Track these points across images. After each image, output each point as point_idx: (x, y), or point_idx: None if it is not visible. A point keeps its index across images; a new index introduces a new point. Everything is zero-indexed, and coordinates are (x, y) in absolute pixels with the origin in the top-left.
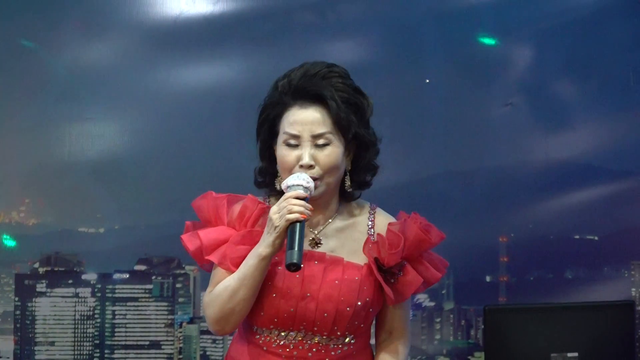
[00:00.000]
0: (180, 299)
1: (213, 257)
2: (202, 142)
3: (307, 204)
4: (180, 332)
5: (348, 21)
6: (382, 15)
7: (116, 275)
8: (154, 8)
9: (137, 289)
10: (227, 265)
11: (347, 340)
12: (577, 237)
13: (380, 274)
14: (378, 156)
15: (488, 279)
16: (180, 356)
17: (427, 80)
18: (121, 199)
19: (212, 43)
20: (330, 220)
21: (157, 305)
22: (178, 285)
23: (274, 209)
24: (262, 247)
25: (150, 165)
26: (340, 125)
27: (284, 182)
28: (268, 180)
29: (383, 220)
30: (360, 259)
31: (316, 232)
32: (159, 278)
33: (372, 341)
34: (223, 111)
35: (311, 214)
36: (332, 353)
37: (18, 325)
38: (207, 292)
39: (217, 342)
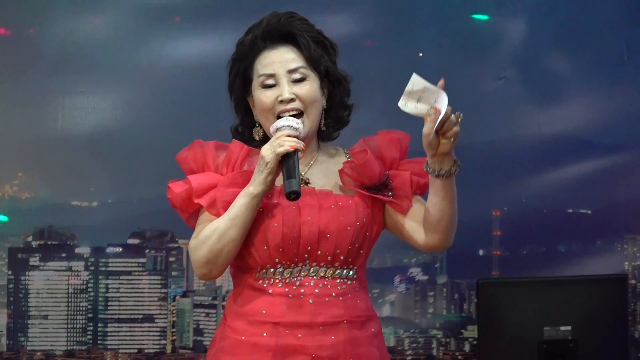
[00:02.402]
0: (174, 273)
1: (202, 201)
2: (195, 115)
3: (298, 140)
4: (174, 306)
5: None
6: None
7: (109, 249)
8: None
9: (131, 262)
10: (217, 208)
11: (350, 273)
12: (570, 210)
13: (373, 192)
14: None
15: (481, 252)
16: (174, 329)
17: (421, 54)
18: (114, 172)
19: (205, 16)
20: (312, 162)
21: (150, 279)
22: (171, 259)
23: (265, 147)
24: (254, 186)
25: (144, 138)
26: (313, 60)
27: (273, 125)
28: (247, 134)
29: None
30: (348, 192)
31: (302, 173)
32: (152, 252)
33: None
34: (216, 84)
35: (303, 148)
36: (338, 288)
37: (11, 299)
38: (193, 238)
39: (210, 315)
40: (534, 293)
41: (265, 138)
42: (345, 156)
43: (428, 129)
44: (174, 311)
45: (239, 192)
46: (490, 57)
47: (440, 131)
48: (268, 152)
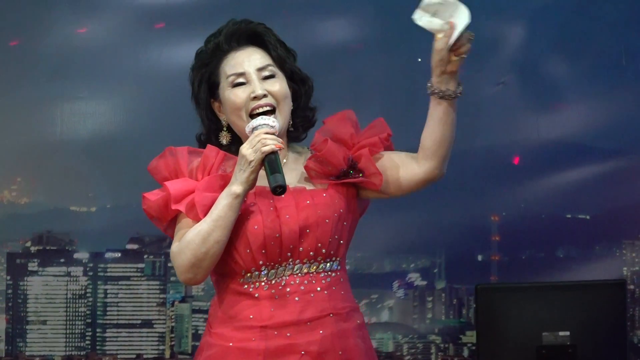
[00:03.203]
0: (172, 278)
1: (181, 206)
2: (194, 121)
3: (278, 138)
4: (172, 311)
5: (340, 0)
6: None
7: (108, 254)
8: None
9: (129, 268)
10: (196, 213)
11: (333, 265)
12: (568, 216)
13: (344, 179)
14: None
15: (480, 257)
16: (172, 335)
17: (419, 59)
18: (113, 178)
19: (204, 22)
20: (284, 161)
21: (149, 284)
22: (170, 264)
23: (245, 146)
24: (236, 185)
25: (142, 143)
26: (280, 59)
27: (249, 124)
28: (213, 140)
29: None
30: (320, 187)
31: None
32: (151, 257)
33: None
34: None
35: (282, 146)
36: (323, 282)
37: (10, 304)
38: (175, 243)
39: None
40: (532, 298)
41: (234, 141)
42: (310, 151)
43: (442, 43)
44: (173, 316)
45: (217, 196)
46: (490, 62)
47: (453, 47)
48: (249, 151)
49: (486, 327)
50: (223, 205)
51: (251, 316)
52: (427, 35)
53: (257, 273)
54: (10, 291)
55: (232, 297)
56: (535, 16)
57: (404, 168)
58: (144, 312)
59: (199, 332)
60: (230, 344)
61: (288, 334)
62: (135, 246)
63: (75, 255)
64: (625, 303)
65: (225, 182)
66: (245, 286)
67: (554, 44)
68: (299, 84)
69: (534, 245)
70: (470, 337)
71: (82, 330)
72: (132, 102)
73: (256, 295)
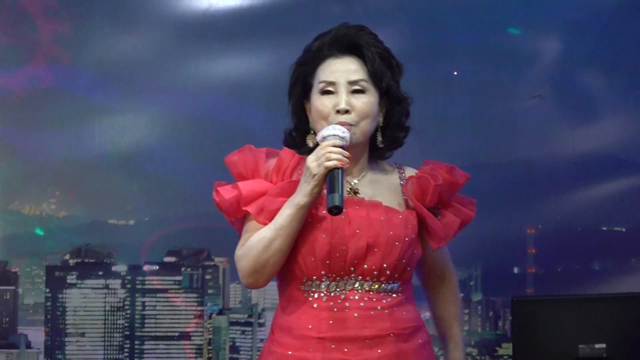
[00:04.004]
0: (210, 291)
1: (251, 208)
2: (232, 134)
3: (344, 151)
4: (210, 324)
5: (375, 13)
6: (409, 6)
7: (146, 267)
8: (183, 1)
9: (167, 280)
10: (264, 217)
11: (395, 287)
12: (604, 228)
13: (429, 211)
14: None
15: (516, 270)
16: (210, 347)
17: (455, 73)
18: (151, 191)
19: (240, 36)
20: (364, 173)
21: (186, 297)
22: (207, 277)
23: (311, 157)
24: (300, 196)
25: (179, 157)
26: (375, 75)
27: (319, 133)
28: (299, 139)
29: (412, 172)
30: (398, 206)
31: (352, 184)
32: (189, 270)
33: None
34: (253, 103)
35: (349, 162)
36: (383, 301)
37: (49, 317)
38: (239, 246)
39: (246, 333)
40: (568, 311)
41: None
42: (398, 169)
43: None
44: (210, 329)
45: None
46: (525, 75)
47: None
48: (314, 164)
49: (522, 340)
50: (287, 215)
51: (310, 326)
52: (463, 49)
53: (317, 282)
54: (49, 304)
55: (292, 304)
56: (571, 29)
57: (423, 270)
58: (181, 325)
59: (236, 344)
60: (290, 352)
61: (345, 350)
62: (172, 259)
63: (114, 268)
64: None
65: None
66: (305, 294)
67: (590, 57)
68: (393, 103)
69: (569, 257)
70: (506, 349)
71: (121, 343)
72: (170, 115)
73: (315, 305)
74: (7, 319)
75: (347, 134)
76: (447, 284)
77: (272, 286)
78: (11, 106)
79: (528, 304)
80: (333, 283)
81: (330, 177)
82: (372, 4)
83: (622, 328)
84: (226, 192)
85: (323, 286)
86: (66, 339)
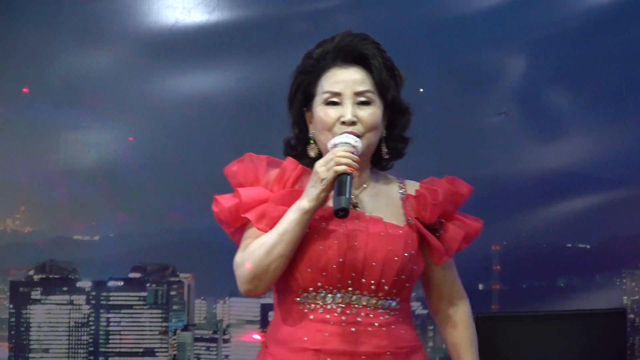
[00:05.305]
0: (175, 307)
1: (251, 215)
2: (198, 150)
3: (354, 157)
4: (175, 340)
5: (342, 30)
6: (376, 24)
7: (111, 283)
8: (150, 17)
9: (132, 296)
10: (265, 224)
11: (393, 304)
12: (569, 245)
13: (427, 229)
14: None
15: (481, 287)
16: None
17: (421, 90)
18: (116, 206)
19: (207, 52)
20: (364, 186)
21: (151, 313)
22: (172, 293)
23: (320, 162)
24: (306, 201)
25: (145, 173)
26: (381, 86)
27: (331, 140)
28: (300, 149)
29: (413, 186)
30: (398, 221)
31: (353, 196)
32: (154, 285)
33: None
34: (219, 119)
35: (359, 168)
36: (381, 318)
37: (13, 332)
38: (239, 252)
39: (210, 349)
40: (533, 327)
41: (320, 155)
42: (399, 182)
43: None
44: (175, 345)
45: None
46: (491, 92)
47: None
48: (323, 168)
49: (487, 356)
50: (291, 220)
51: (305, 338)
52: (429, 67)
53: (314, 294)
54: (13, 319)
55: (288, 315)
56: (536, 47)
57: (429, 289)
58: (146, 341)
59: None
60: None
61: None
62: (137, 275)
63: (78, 284)
64: (625, 332)
65: (298, 198)
66: (301, 306)
67: (555, 75)
68: (396, 114)
69: (534, 274)
70: None
71: (85, 359)
72: (136, 131)
73: (311, 317)
74: None
75: (359, 144)
76: (457, 308)
77: (237, 302)
78: None
79: (493, 320)
80: (329, 295)
81: (339, 182)
82: (340, 21)
83: (587, 344)
84: (226, 201)
85: (319, 298)
86: (30, 355)
